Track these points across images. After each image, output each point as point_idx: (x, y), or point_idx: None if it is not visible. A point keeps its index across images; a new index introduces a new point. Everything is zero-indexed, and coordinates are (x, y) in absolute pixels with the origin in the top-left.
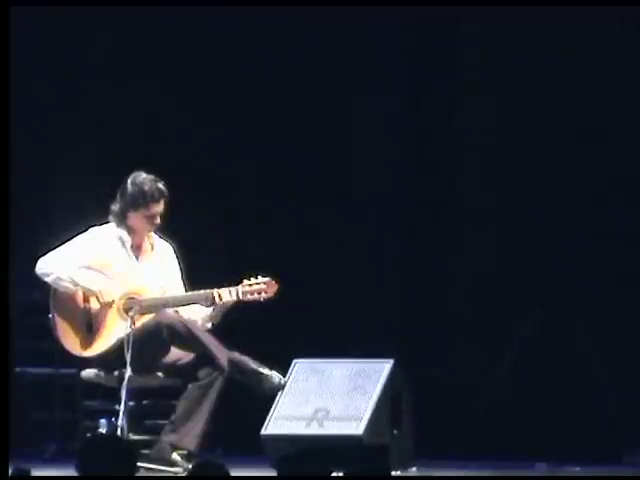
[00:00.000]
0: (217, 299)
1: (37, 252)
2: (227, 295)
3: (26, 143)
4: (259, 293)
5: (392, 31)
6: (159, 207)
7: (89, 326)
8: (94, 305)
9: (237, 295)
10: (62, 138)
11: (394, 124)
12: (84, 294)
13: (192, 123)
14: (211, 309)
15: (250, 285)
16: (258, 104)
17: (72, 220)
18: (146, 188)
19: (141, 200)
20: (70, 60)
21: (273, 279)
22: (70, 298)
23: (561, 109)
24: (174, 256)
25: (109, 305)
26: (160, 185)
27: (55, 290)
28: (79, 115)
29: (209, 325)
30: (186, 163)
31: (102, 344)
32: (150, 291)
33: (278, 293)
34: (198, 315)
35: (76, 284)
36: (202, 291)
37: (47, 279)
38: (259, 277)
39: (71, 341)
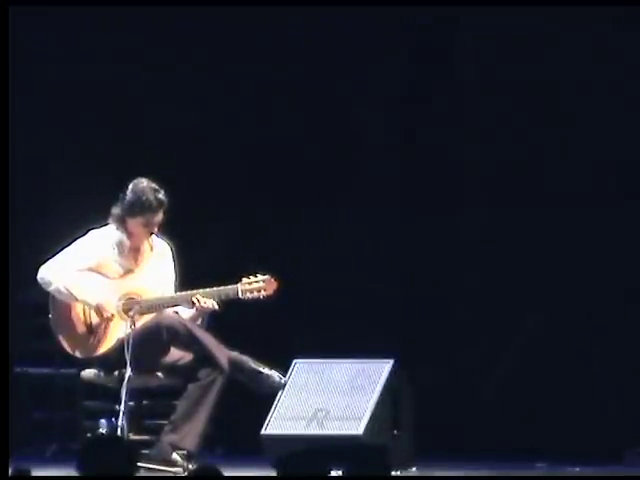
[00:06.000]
0: (196, 303)
1: (37, 252)
2: (208, 302)
3: (26, 143)
4: (259, 291)
5: (392, 31)
6: (157, 217)
7: (89, 327)
8: None
9: (236, 293)
10: (62, 138)
11: (394, 124)
12: None
13: (192, 124)
14: (193, 310)
15: (249, 283)
16: (258, 104)
17: (72, 219)
18: (144, 198)
19: (139, 209)
20: (70, 61)
21: (273, 277)
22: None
23: (561, 109)
24: (171, 257)
25: (109, 320)
26: (160, 195)
27: None
28: (79, 116)
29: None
30: (186, 163)
31: (102, 346)
32: (149, 292)
33: (278, 291)
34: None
35: (74, 298)
36: (199, 290)
37: (48, 289)
38: (258, 275)
39: (71, 343)
